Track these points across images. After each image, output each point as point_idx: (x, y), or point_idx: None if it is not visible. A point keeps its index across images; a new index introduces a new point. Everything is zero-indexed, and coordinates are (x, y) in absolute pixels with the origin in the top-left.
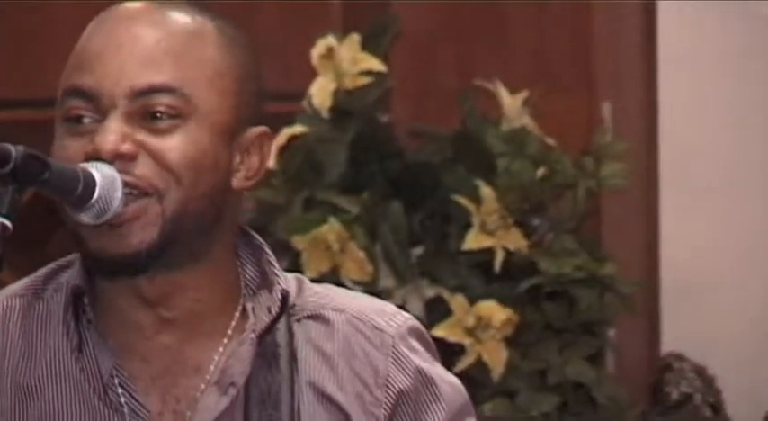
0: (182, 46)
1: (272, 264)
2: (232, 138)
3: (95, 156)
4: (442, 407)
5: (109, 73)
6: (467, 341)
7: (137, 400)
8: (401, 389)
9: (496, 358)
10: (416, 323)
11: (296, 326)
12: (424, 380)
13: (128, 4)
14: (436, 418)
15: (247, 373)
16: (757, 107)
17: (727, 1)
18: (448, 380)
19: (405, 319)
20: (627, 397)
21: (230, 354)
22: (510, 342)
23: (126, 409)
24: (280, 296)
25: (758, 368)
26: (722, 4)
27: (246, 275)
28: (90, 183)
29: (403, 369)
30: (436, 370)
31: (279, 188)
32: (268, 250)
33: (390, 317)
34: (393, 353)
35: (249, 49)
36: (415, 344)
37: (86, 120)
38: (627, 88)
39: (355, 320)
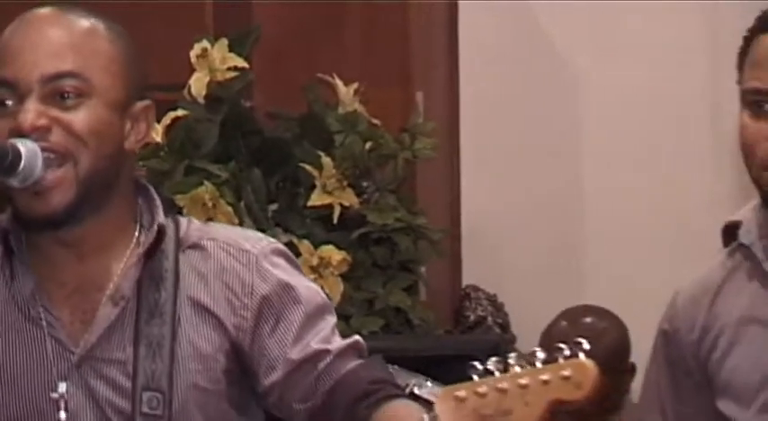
0: (81, 41)
1: (158, 209)
2: (124, 110)
3: (18, 132)
4: (301, 307)
5: (25, 65)
6: (312, 276)
7: (52, 315)
8: (263, 295)
9: (335, 290)
10: (279, 245)
11: (181, 255)
12: (284, 287)
13: (38, 11)
14: (295, 316)
15: (134, 287)
16: (538, 90)
17: (510, 2)
18: (306, 285)
19: (268, 243)
20: (435, 319)
21: (123, 274)
22: (345, 277)
23: (44, 323)
24: (156, 228)
25: (537, 297)
26: (509, 6)
27: (142, 217)
28: (16, 154)
29: (265, 279)
30: (296, 279)
31: (165, 158)
32: (158, 201)
33: (255, 241)
34: (257, 267)
35: (131, 41)
36: (277, 260)
37: (9, 104)
38: (435, 79)
39: (226, 245)
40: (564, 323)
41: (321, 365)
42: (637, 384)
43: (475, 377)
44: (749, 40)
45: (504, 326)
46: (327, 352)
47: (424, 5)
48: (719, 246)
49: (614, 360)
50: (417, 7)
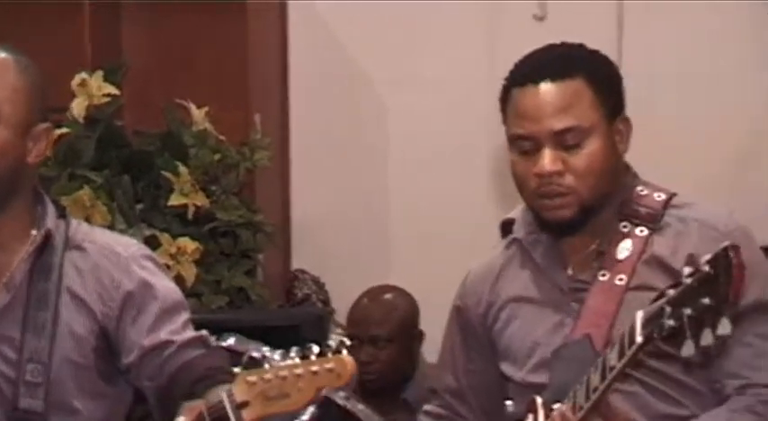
0: None
1: (48, 215)
2: (27, 131)
3: None
4: (158, 303)
5: None
6: (171, 262)
7: None
8: (128, 291)
9: (190, 273)
10: (147, 251)
11: (66, 253)
12: (146, 286)
13: None
14: (152, 310)
15: (25, 278)
16: (353, 111)
17: (331, 39)
18: (165, 285)
19: (138, 248)
20: (270, 296)
21: (17, 267)
22: (198, 263)
23: None
24: (44, 232)
25: (352, 278)
26: (330, 42)
27: (39, 221)
28: None
29: (131, 278)
30: (158, 280)
31: (51, 167)
32: (50, 207)
33: (127, 246)
34: (125, 268)
35: (36, 72)
36: (144, 263)
37: None
38: (270, 103)
39: (102, 248)
40: (366, 301)
41: (166, 353)
42: (426, 347)
43: (265, 365)
44: (507, 90)
45: (326, 302)
46: (173, 342)
47: (260, 42)
48: (496, 238)
49: (407, 328)
50: (254, 44)
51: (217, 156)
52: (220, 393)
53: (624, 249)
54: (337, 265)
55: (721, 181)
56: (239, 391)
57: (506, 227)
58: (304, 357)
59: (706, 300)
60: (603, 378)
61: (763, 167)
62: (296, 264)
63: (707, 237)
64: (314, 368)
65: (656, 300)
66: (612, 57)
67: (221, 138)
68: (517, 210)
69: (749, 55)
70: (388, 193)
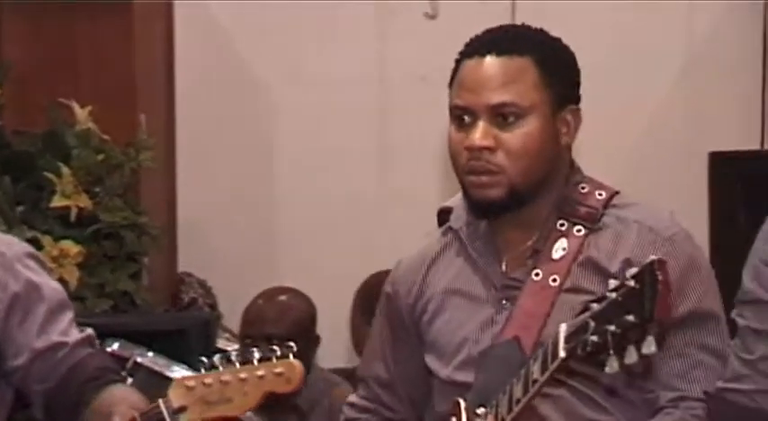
0: None
1: None
2: None
3: None
4: (45, 304)
5: None
6: (53, 265)
7: None
8: (14, 292)
9: (72, 277)
10: (31, 249)
11: None
12: (33, 287)
13: None
14: (40, 311)
15: None
16: (241, 110)
17: (218, 38)
18: (51, 285)
19: (21, 247)
20: (155, 300)
21: None
22: (81, 266)
23: None
24: None
25: (240, 281)
26: (217, 41)
27: None
28: None
29: (17, 279)
30: (43, 279)
31: None
32: None
33: (10, 245)
34: (10, 268)
35: None
36: (28, 262)
37: None
38: (156, 103)
39: None
40: (261, 301)
41: (59, 354)
42: (321, 351)
43: (203, 370)
44: (457, 63)
45: (213, 306)
46: (66, 344)
47: (146, 42)
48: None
49: (303, 329)
50: (140, 43)
51: (100, 157)
52: (138, 398)
53: (560, 248)
54: (225, 268)
55: (621, 180)
56: (176, 396)
57: (443, 215)
58: (246, 362)
59: (630, 317)
60: (526, 391)
61: (658, 164)
62: (182, 266)
63: (646, 241)
64: (260, 372)
65: (581, 312)
66: None
67: (105, 138)
68: (456, 198)
69: (643, 54)
70: (277, 194)
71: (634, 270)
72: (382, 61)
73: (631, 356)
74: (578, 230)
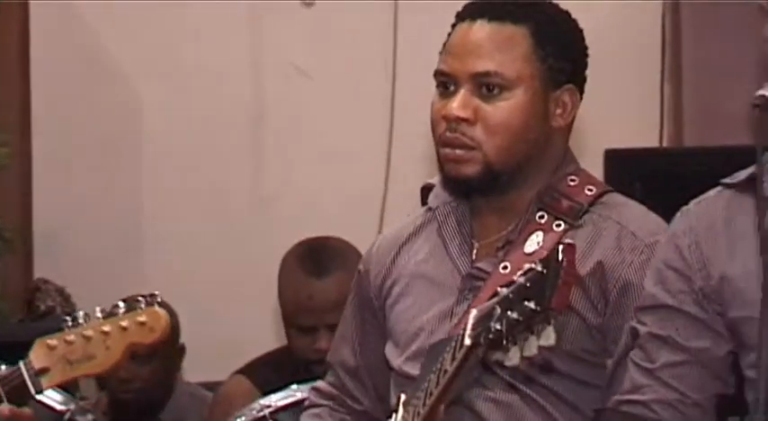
0: None
1: None
2: None
3: None
4: None
5: None
6: None
7: None
8: None
9: None
10: None
11: None
12: None
13: None
14: None
15: None
16: (105, 108)
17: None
18: None
19: None
20: (9, 309)
21: None
22: None
23: None
24: None
25: (101, 288)
26: (80, 36)
27: None
28: None
29: None
30: None
31: None
32: None
33: None
34: None
35: None
36: None
37: None
38: (9, 98)
39: None
40: None
41: None
42: (186, 363)
43: (66, 329)
44: (452, 27)
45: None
46: None
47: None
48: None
49: (168, 341)
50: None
51: None
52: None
53: (534, 242)
54: (85, 275)
55: None
56: (37, 357)
57: (425, 192)
58: (111, 315)
59: (531, 304)
60: (438, 382)
61: None
62: (38, 273)
63: (625, 245)
64: (123, 323)
65: (490, 298)
66: (387, 43)
67: None
68: (439, 178)
69: None
70: (142, 194)
71: (544, 253)
72: (256, 50)
73: (531, 347)
74: (558, 225)
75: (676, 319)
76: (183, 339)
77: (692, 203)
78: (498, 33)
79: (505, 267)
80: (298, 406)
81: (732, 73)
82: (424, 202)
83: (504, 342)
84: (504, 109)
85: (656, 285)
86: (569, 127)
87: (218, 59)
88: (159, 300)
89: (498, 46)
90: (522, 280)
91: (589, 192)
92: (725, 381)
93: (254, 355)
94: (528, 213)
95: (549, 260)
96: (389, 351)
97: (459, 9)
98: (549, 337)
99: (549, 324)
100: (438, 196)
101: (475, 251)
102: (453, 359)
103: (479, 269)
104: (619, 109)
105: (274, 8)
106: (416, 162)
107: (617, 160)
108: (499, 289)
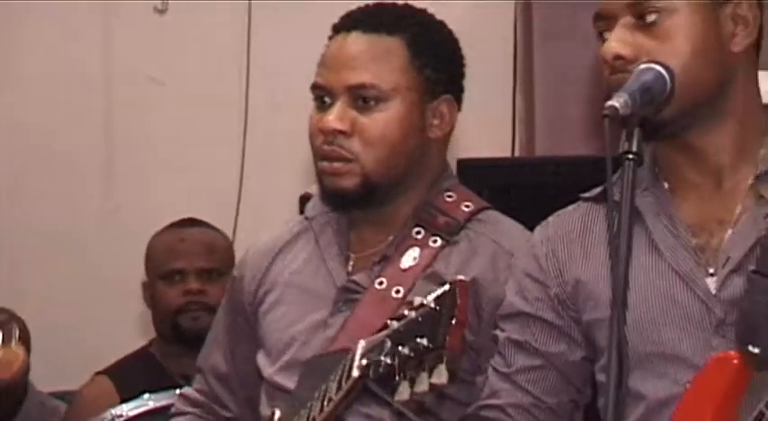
0: None
1: None
2: None
3: None
4: None
5: None
6: None
7: None
8: None
9: None
10: None
11: None
12: None
13: None
14: None
15: None
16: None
17: None
18: None
19: None
20: None
21: None
22: None
23: None
24: None
25: None
26: None
27: None
28: None
29: None
30: None
31: None
32: None
33: None
34: None
35: None
36: None
37: None
38: None
39: None
40: None
41: None
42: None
43: None
44: (329, 39)
45: None
46: None
47: None
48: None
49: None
50: None
51: None
52: None
53: (411, 258)
54: None
55: None
56: None
57: (304, 201)
58: None
59: (424, 341)
60: (321, 409)
61: None
62: None
63: (500, 264)
64: None
65: (381, 328)
66: (240, 50)
67: None
68: (316, 187)
69: None
70: None
71: (440, 290)
72: (107, 58)
73: (422, 384)
74: (434, 241)
75: (533, 325)
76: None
77: (552, 216)
78: (374, 45)
79: (381, 283)
80: (150, 415)
81: (583, 83)
82: (301, 211)
83: (396, 377)
84: (381, 120)
85: (516, 294)
86: (447, 138)
87: (69, 67)
88: (17, 333)
89: (374, 57)
90: (413, 315)
91: (466, 209)
92: (579, 388)
93: (102, 364)
94: (405, 228)
95: (442, 297)
96: (261, 359)
97: (312, 17)
98: (441, 375)
99: (442, 362)
100: (315, 206)
101: (351, 263)
102: (339, 388)
103: (355, 282)
104: (471, 118)
105: (126, 15)
106: (271, 170)
107: (469, 170)
108: (389, 321)
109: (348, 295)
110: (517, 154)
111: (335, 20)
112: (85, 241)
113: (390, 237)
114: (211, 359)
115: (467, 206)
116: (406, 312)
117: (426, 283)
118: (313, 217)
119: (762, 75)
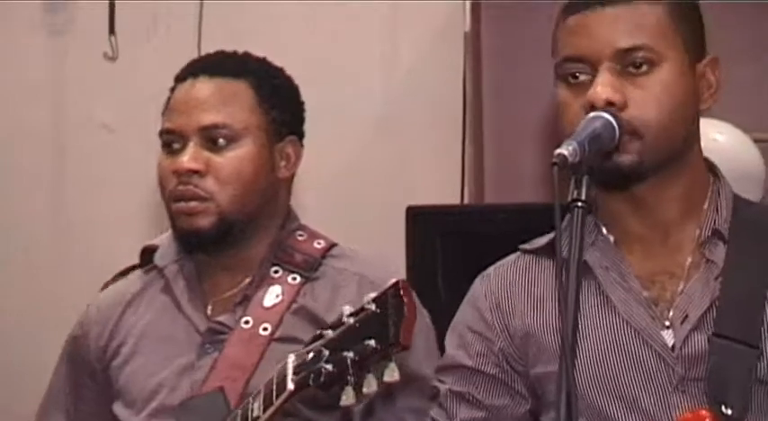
0: None
1: None
2: None
3: None
4: None
5: None
6: None
7: None
8: None
9: None
10: None
11: None
12: None
13: None
14: None
15: None
16: None
17: None
18: None
19: None
20: None
21: None
22: None
23: None
24: None
25: None
26: None
27: None
28: None
29: None
30: None
31: None
32: None
33: None
34: None
35: None
36: None
37: None
38: None
39: None
40: None
41: None
42: None
43: None
44: (172, 89)
45: None
46: None
47: None
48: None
49: None
50: None
51: None
52: None
53: (273, 296)
54: None
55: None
56: None
57: (146, 254)
58: None
59: (371, 343)
60: None
61: (355, 219)
62: None
63: (367, 293)
64: None
65: (310, 342)
66: None
67: None
68: (163, 237)
69: (338, 105)
70: None
71: (373, 294)
72: (58, 104)
73: (371, 385)
74: (293, 278)
75: (476, 378)
76: None
77: (491, 268)
78: (222, 88)
79: (247, 321)
80: None
81: (532, 131)
82: (142, 263)
83: (343, 382)
84: (235, 159)
85: (457, 348)
86: (292, 179)
87: (18, 113)
88: None
89: (224, 99)
90: (351, 321)
91: (319, 246)
92: None
93: None
94: (262, 268)
95: (383, 298)
96: (121, 411)
97: None
98: (393, 372)
99: (391, 360)
100: (165, 255)
101: (210, 308)
102: (269, 405)
103: (220, 323)
104: (421, 166)
105: (77, 62)
106: None
107: (419, 217)
108: (323, 331)
109: (214, 336)
110: (467, 201)
111: (291, 70)
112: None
113: (248, 279)
114: (52, 417)
115: (318, 243)
116: (344, 319)
117: (294, 318)
118: (164, 266)
119: (704, 122)
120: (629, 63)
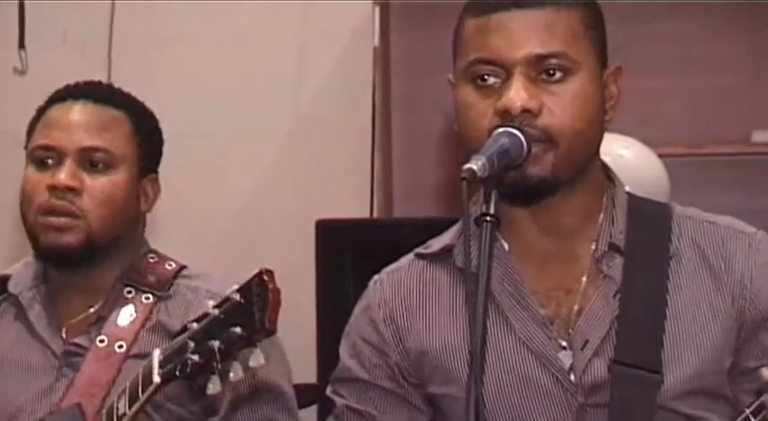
0: None
1: None
2: None
3: None
4: None
5: None
6: None
7: None
8: None
9: None
10: None
11: None
12: None
13: None
14: None
15: None
16: None
17: None
18: None
19: None
20: None
21: None
22: None
23: None
24: None
25: None
26: None
27: None
28: None
29: None
30: None
31: None
32: None
33: None
34: None
35: None
36: None
37: None
38: None
39: None
40: None
41: None
42: None
43: None
44: (42, 110)
45: None
46: None
47: None
48: None
49: None
50: None
51: None
52: None
53: (127, 315)
54: None
55: (225, 249)
56: None
57: (2, 283)
58: None
59: (237, 330)
60: None
61: (265, 233)
62: None
63: None
64: None
65: (176, 336)
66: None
67: None
68: (16, 266)
69: (247, 119)
70: None
71: (236, 286)
72: None
73: (237, 372)
74: (146, 298)
75: (372, 393)
76: None
77: (384, 273)
78: (103, 114)
79: (102, 340)
80: None
81: (440, 146)
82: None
83: (209, 371)
84: (109, 183)
85: (351, 358)
86: (146, 214)
87: None
88: None
89: (105, 126)
90: (215, 312)
91: (170, 267)
92: None
93: None
94: (115, 290)
95: (247, 289)
96: None
97: (172, 79)
98: (258, 358)
99: (257, 347)
100: (18, 283)
101: (64, 330)
102: (134, 400)
103: (76, 344)
104: (330, 180)
105: None
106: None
107: (328, 231)
108: (189, 324)
109: (71, 359)
110: (376, 214)
111: (199, 84)
112: None
113: (101, 301)
114: None
115: (169, 265)
116: (210, 310)
117: (151, 335)
118: (18, 293)
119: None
120: (544, 69)
